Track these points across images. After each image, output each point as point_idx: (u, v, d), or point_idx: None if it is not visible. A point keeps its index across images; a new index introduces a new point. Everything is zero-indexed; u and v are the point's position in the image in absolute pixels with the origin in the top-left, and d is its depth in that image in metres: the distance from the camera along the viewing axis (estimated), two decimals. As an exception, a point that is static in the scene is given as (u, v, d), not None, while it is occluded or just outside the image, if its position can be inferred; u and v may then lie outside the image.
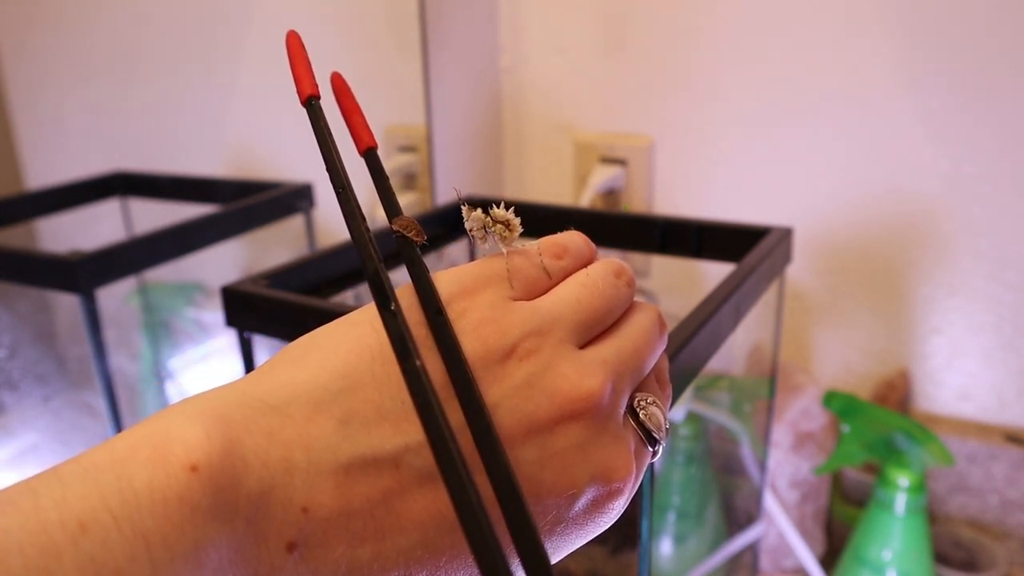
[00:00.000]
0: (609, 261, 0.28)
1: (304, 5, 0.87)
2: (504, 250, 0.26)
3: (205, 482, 0.17)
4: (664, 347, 0.28)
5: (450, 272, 0.24)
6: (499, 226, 0.27)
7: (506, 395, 0.22)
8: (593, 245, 0.29)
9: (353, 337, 0.22)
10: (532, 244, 0.27)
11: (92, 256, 0.57)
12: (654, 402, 0.26)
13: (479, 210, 0.27)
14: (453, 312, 0.23)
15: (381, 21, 0.83)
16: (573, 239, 0.28)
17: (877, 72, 0.69)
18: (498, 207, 0.27)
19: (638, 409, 0.25)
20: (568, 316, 0.24)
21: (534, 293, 0.25)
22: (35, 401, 0.81)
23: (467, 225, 0.27)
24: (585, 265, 0.28)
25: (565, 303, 0.25)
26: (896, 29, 0.68)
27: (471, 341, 0.22)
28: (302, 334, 0.24)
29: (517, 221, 0.27)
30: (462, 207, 0.27)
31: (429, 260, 0.66)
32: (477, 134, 0.86)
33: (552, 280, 0.26)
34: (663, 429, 0.26)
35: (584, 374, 0.23)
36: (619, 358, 0.25)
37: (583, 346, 0.25)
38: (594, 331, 0.25)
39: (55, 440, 0.79)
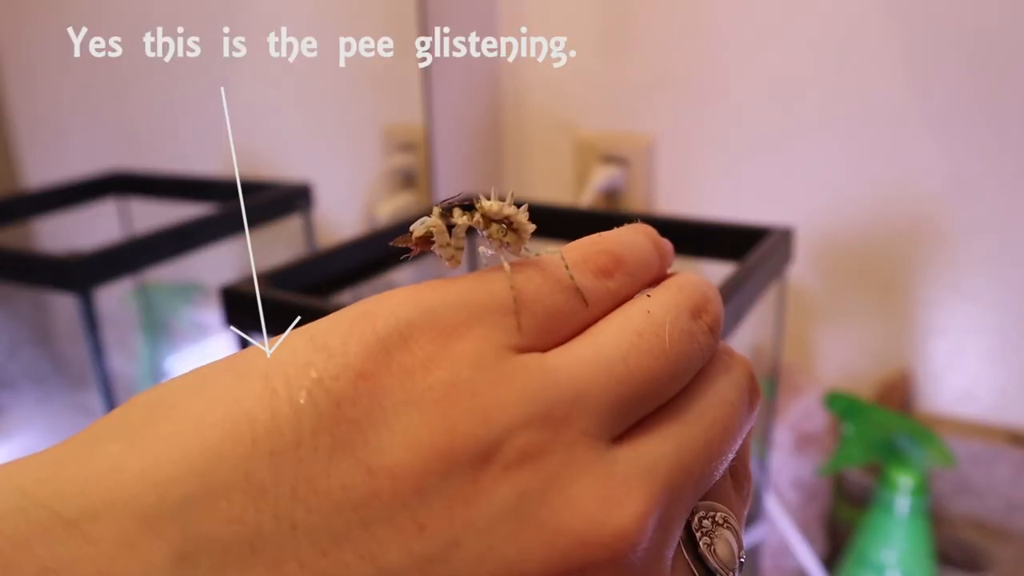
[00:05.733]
0: (684, 288, 0.18)
1: (304, 3, 0.86)
2: (505, 264, 0.16)
3: None
4: (752, 424, 0.18)
5: (421, 291, 0.15)
6: (496, 226, 0.17)
7: (473, 528, 0.13)
8: (667, 247, 0.20)
9: (231, 400, 0.13)
10: (560, 249, 0.18)
11: (89, 256, 0.56)
12: (725, 521, 0.17)
13: (437, 211, 0.17)
14: (406, 361, 0.14)
15: (381, 20, 0.83)
16: (633, 240, 0.19)
17: (879, 71, 0.69)
18: (487, 199, 0.17)
19: (699, 534, 0.16)
20: (603, 389, 0.15)
21: (554, 337, 0.16)
22: (32, 402, 0.80)
23: (418, 232, 0.17)
24: (648, 285, 0.18)
25: (602, 364, 0.15)
26: (898, 28, 0.67)
27: (428, 423, 0.13)
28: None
29: (525, 218, 0.17)
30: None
31: (421, 269, 0.66)
32: (477, 133, 0.86)
33: (589, 312, 0.17)
34: (735, 568, 0.16)
35: (613, 498, 0.14)
36: (680, 462, 0.15)
37: (620, 437, 0.15)
38: (642, 410, 0.16)
39: (52, 441, 0.79)
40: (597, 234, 0.18)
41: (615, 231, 0.19)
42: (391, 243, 0.18)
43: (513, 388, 0.14)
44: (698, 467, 0.16)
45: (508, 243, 0.17)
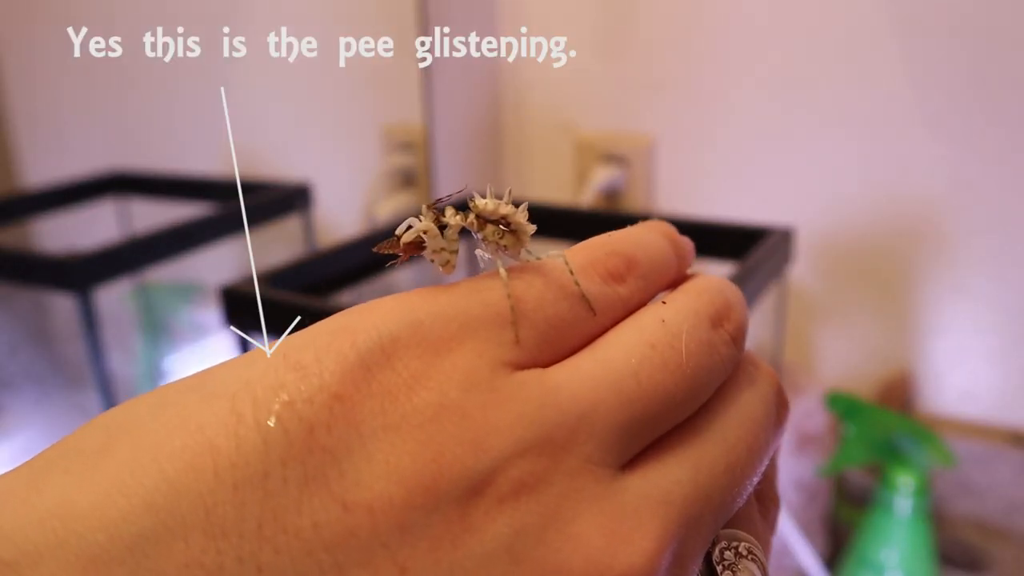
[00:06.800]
0: (704, 293, 0.16)
1: (304, 3, 0.86)
2: (502, 269, 0.14)
3: None
4: (779, 442, 0.17)
5: (408, 300, 0.14)
6: (492, 228, 0.15)
7: (462, 570, 0.12)
8: (686, 247, 0.18)
9: (193, 426, 0.12)
10: (565, 251, 0.16)
11: (88, 256, 0.56)
12: (749, 552, 0.15)
13: (427, 212, 0.15)
14: (388, 381, 0.12)
15: (381, 20, 0.82)
16: (647, 240, 0.17)
17: (880, 71, 0.69)
18: (482, 198, 0.15)
19: (720, 567, 0.15)
20: (611, 409, 0.13)
21: (557, 350, 0.14)
22: (31, 402, 0.80)
23: (406, 237, 0.15)
24: (665, 289, 0.17)
25: (611, 381, 0.14)
26: (898, 28, 0.67)
27: (411, 451, 0.12)
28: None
29: (524, 218, 0.15)
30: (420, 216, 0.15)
31: (424, 269, 0.66)
32: (477, 133, 0.85)
33: (597, 321, 0.15)
34: None
35: (621, 533, 0.12)
36: (698, 489, 0.14)
37: (630, 463, 0.14)
38: (656, 432, 0.14)
39: (50, 442, 0.79)
40: (607, 234, 0.16)
41: (627, 230, 0.17)
42: (375, 249, 0.15)
43: (508, 410, 0.12)
44: (719, 494, 0.14)
45: (506, 246, 0.15)
